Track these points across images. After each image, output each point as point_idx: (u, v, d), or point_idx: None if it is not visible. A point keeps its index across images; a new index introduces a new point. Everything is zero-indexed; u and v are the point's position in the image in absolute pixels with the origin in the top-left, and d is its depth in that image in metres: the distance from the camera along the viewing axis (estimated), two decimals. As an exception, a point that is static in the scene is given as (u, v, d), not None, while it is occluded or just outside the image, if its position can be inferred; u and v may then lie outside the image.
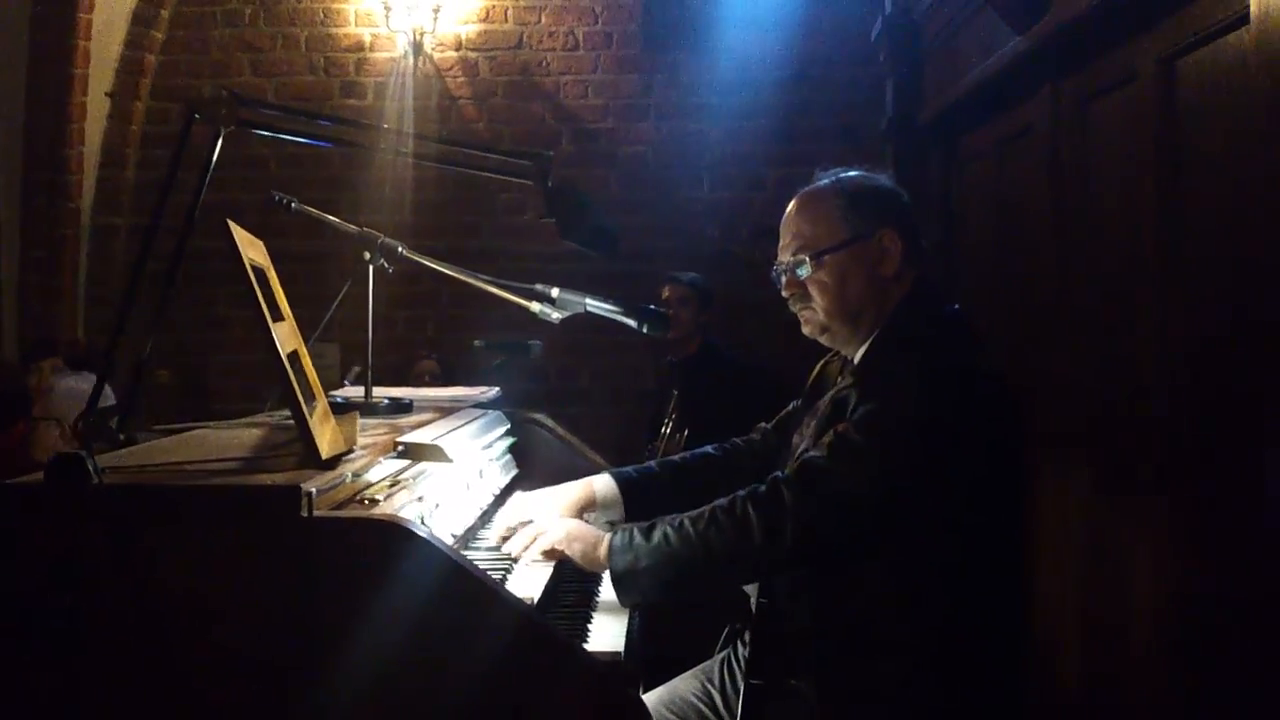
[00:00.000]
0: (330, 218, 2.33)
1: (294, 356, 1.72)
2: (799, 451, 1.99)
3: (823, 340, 2.03)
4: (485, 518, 2.31)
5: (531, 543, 2.00)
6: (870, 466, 1.76)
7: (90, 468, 1.45)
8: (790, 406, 2.30)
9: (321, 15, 5.72)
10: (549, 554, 2.00)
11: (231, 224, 1.59)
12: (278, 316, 1.74)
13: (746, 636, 2.26)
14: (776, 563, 1.85)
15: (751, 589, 2.06)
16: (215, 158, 1.73)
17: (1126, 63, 2.77)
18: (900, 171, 4.31)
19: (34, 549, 1.44)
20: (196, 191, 1.72)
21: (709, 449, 2.36)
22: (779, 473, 1.86)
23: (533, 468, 2.73)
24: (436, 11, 5.56)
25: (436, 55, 5.68)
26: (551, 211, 2.02)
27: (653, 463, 2.31)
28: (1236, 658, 2.28)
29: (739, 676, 2.23)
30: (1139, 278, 2.72)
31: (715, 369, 4.31)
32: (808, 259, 1.94)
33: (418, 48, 5.62)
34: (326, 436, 1.63)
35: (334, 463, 1.62)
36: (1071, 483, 3.07)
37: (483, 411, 2.53)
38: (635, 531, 1.87)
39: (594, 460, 2.88)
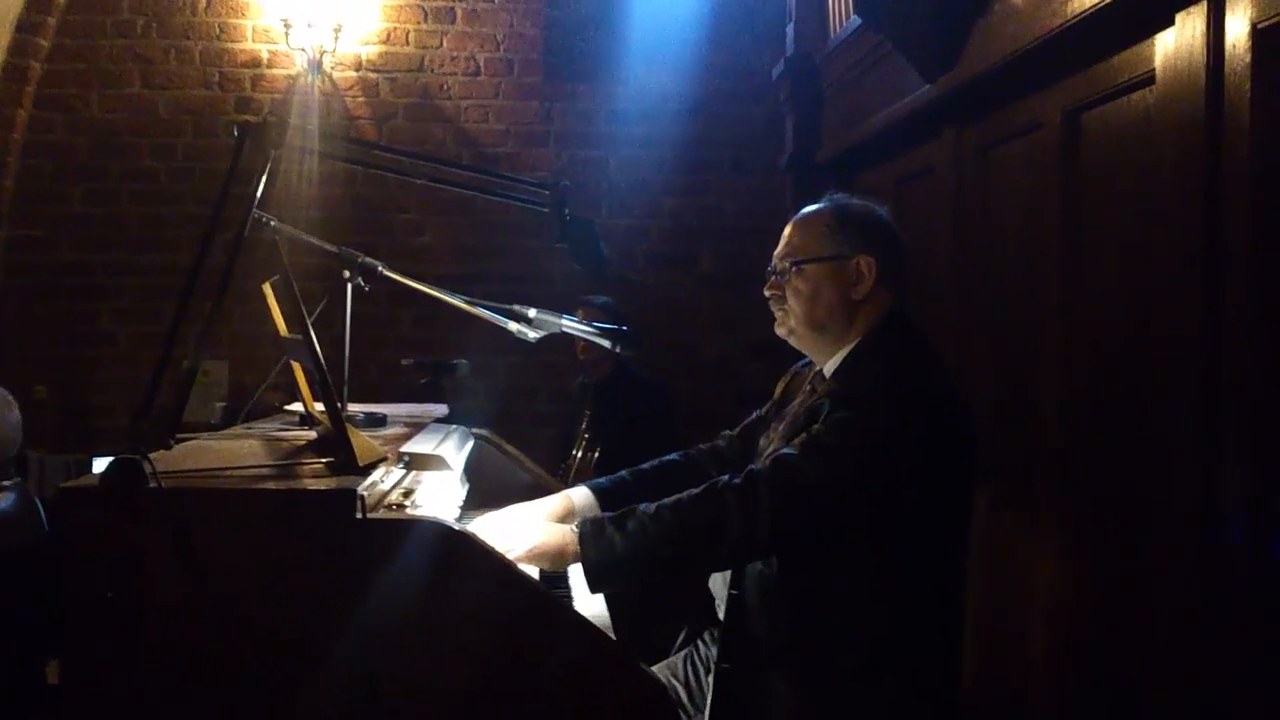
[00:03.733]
0: (309, 237, 2.37)
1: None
2: (767, 453, 2.13)
3: (791, 341, 2.18)
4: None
5: None
6: (840, 466, 1.88)
7: (147, 470, 1.50)
8: (753, 415, 2.44)
9: (218, 30, 5.66)
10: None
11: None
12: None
13: (708, 636, 2.40)
14: (750, 550, 1.95)
15: (720, 585, 2.18)
16: (265, 177, 1.77)
17: (1032, 113, 3.04)
18: (798, 205, 4.55)
19: (93, 549, 1.49)
20: (248, 206, 1.76)
21: (674, 456, 2.44)
22: (753, 466, 1.97)
23: (482, 482, 2.80)
24: (337, 31, 5.58)
25: (336, 74, 5.69)
26: (564, 237, 2.13)
27: (624, 472, 2.39)
28: (1121, 660, 2.54)
29: (702, 673, 2.36)
30: (1039, 310, 2.98)
31: (628, 390, 4.43)
32: (790, 265, 2.09)
33: (317, 66, 5.62)
34: (360, 446, 1.71)
35: (368, 470, 1.70)
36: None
37: (450, 426, 2.61)
38: (606, 522, 1.94)
39: (538, 474, 2.98)
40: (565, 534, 2.01)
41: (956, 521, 2.05)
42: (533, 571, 2.09)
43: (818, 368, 2.19)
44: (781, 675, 2.00)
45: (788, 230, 2.15)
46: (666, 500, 1.95)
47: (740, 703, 2.04)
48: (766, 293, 2.16)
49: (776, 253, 2.15)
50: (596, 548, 1.92)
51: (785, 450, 1.95)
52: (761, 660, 2.02)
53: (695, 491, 1.94)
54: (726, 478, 1.95)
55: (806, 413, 2.04)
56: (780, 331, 2.18)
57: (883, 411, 1.93)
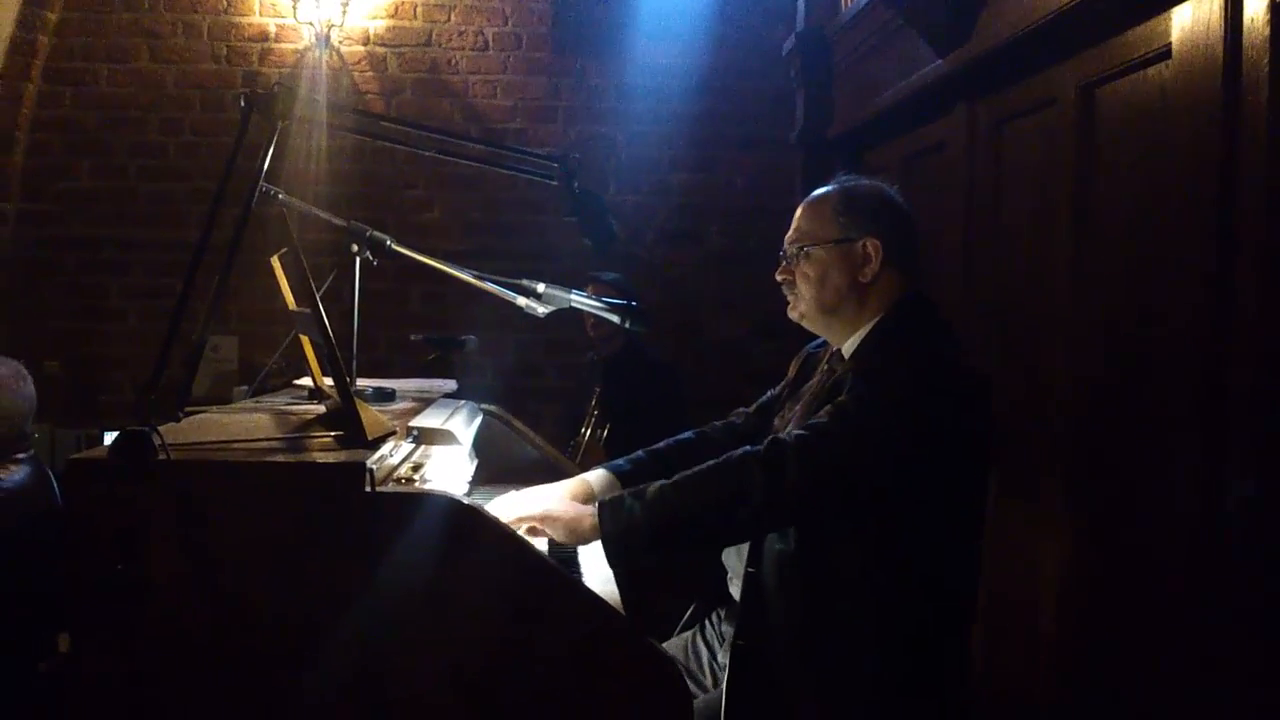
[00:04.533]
0: (318, 211, 2.36)
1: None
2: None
3: (804, 325, 2.19)
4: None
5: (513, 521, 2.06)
6: (865, 436, 1.88)
7: (156, 442, 1.49)
8: (767, 395, 2.43)
9: (225, 3, 5.62)
10: (529, 531, 2.05)
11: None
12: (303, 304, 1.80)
13: (715, 617, 2.40)
14: (774, 517, 1.95)
15: (734, 560, 2.18)
16: (271, 149, 1.76)
17: (1046, 88, 3.01)
18: (807, 182, 4.53)
19: (101, 520, 1.49)
20: (254, 179, 1.75)
21: (689, 434, 2.43)
22: (781, 435, 1.96)
23: (490, 457, 2.80)
24: (345, 5, 5.54)
25: (344, 49, 5.66)
26: (574, 211, 2.13)
27: (640, 452, 2.37)
28: (1129, 648, 2.53)
29: (705, 652, 2.37)
30: (1049, 292, 2.96)
31: (638, 368, 4.42)
32: (798, 250, 2.11)
33: (325, 40, 5.59)
34: (369, 420, 1.71)
35: (377, 444, 1.70)
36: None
37: (459, 402, 2.61)
38: (626, 495, 1.95)
39: (547, 450, 2.98)
40: (583, 507, 2.02)
41: (973, 504, 2.06)
42: (542, 546, 2.09)
43: (835, 348, 2.19)
44: (797, 654, 2.00)
45: (796, 214, 2.17)
46: (687, 472, 1.95)
47: (757, 680, 2.05)
48: (778, 277, 2.18)
49: (786, 237, 2.17)
50: (615, 518, 1.93)
51: (811, 420, 1.95)
52: (778, 638, 2.02)
53: (716, 461, 1.95)
54: (748, 447, 1.95)
55: (828, 390, 2.05)
56: (793, 315, 2.19)
57: (907, 387, 1.93)
